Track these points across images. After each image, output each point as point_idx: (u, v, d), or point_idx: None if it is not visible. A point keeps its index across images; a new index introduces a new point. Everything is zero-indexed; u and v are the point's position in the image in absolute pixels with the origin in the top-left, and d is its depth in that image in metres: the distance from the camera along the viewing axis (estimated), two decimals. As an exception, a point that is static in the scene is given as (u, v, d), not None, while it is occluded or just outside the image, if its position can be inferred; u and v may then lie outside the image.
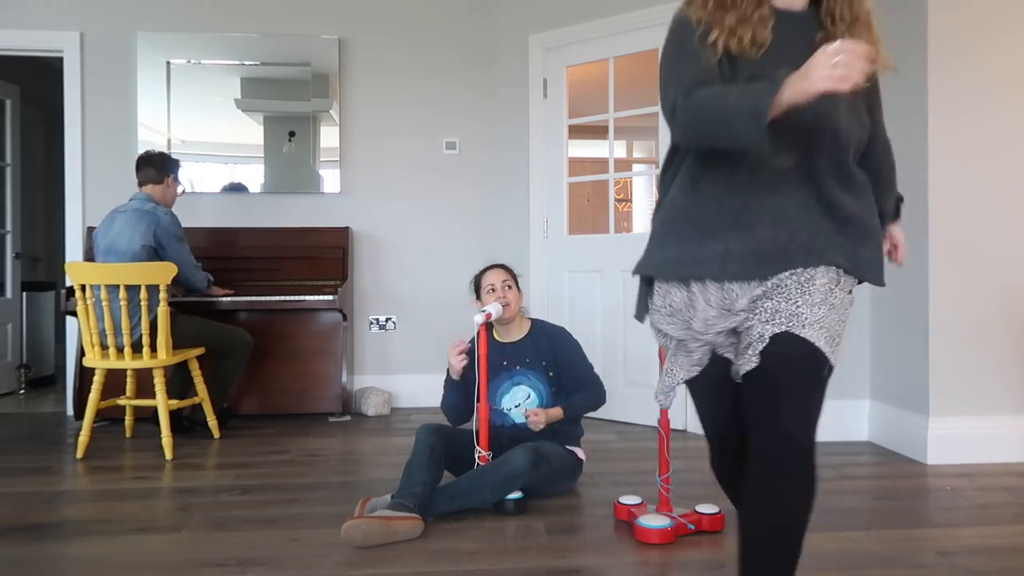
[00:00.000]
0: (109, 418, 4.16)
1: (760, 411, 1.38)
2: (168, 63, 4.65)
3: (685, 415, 3.88)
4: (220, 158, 4.68)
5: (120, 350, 3.57)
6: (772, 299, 1.39)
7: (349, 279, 4.55)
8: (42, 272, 6.68)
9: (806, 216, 1.41)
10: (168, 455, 3.41)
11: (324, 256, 4.55)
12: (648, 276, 1.54)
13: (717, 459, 1.62)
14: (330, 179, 4.76)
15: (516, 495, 2.59)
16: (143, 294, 3.46)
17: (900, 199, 1.66)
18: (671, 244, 1.48)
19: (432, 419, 2.85)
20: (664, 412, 2.48)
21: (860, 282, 1.50)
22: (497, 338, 2.92)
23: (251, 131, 4.71)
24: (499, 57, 4.74)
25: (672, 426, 3.88)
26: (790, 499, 1.37)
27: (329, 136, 4.75)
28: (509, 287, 2.87)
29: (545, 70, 4.47)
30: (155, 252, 3.68)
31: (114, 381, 4.08)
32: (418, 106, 4.82)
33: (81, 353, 4.24)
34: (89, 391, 3.62)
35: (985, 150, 3.24)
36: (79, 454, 3.43)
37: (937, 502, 2.74)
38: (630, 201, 8.53)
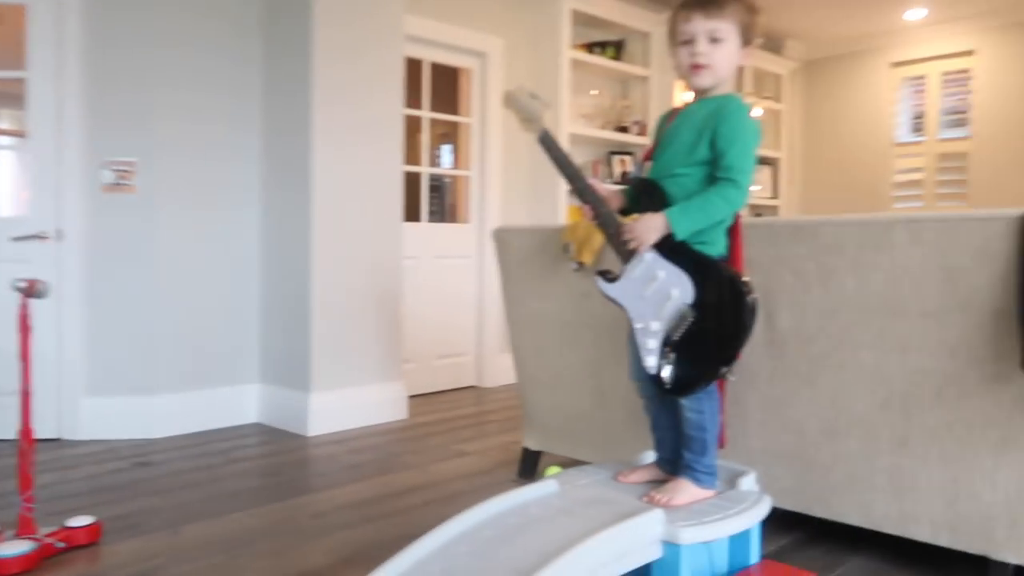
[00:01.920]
0: None
1: None
2: None
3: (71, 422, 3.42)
4: None
5: None
6: None
7: None
8: None
9: None
10: None
11: None
12: None
13: None
14: None
15: None
16: None
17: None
18: None
19: None
20: (26, 422, 2.12)
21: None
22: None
23: None
24: None
25: (38, 436, 3.36)
26: None
27: None
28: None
29: None
30: None
31: None
32: None
33: None
34: None
35: (353, 174, 3.65)
36: None
37: (317, 468, 2.99)
38: None
